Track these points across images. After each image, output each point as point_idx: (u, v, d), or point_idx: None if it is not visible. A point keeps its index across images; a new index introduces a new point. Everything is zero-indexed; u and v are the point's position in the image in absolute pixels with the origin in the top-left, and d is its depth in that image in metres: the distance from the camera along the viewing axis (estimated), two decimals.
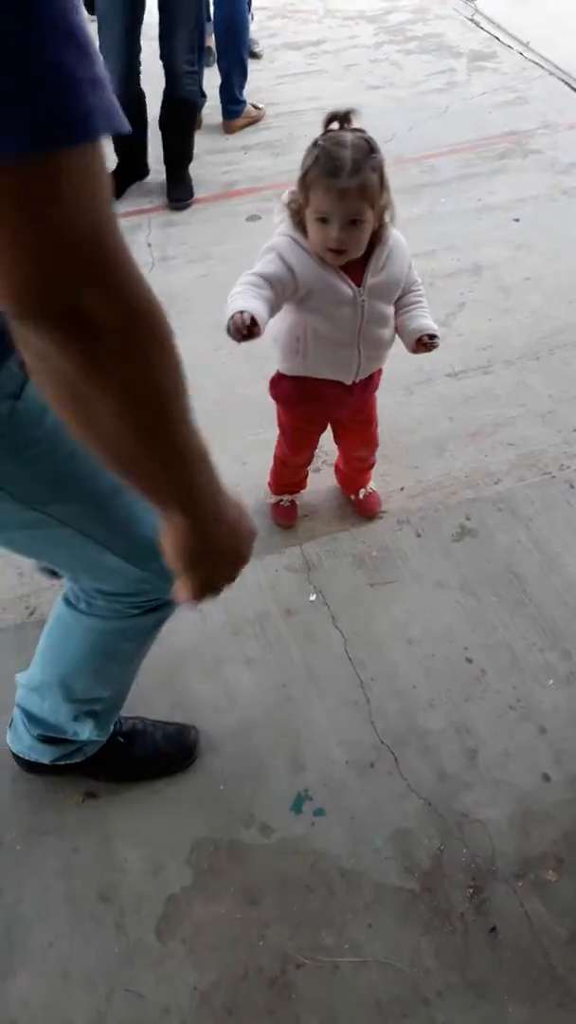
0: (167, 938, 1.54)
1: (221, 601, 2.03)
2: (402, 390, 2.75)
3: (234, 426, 2.61)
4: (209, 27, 4.22)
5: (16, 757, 1.70)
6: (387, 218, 1.68)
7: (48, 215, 0.60)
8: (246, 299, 1.63)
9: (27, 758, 1.67)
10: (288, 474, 2.29)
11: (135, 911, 1.58)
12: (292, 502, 2.35)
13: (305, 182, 1.57)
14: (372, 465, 2.30)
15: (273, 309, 1.68)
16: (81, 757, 1.65)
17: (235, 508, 0.94)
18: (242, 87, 4.10)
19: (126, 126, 0.61)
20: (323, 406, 2.01)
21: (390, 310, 1.81)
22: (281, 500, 2.34)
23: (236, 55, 4.03)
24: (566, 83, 4.50)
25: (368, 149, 1.55)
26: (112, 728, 1.66)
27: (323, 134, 1.57)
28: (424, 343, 1.81)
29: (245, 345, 1.63)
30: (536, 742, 1.80)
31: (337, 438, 2.22)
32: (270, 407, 2.12)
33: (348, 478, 2.35)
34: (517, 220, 3.52)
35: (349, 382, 1.87)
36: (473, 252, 3.34)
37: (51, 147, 0.57)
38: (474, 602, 2.06)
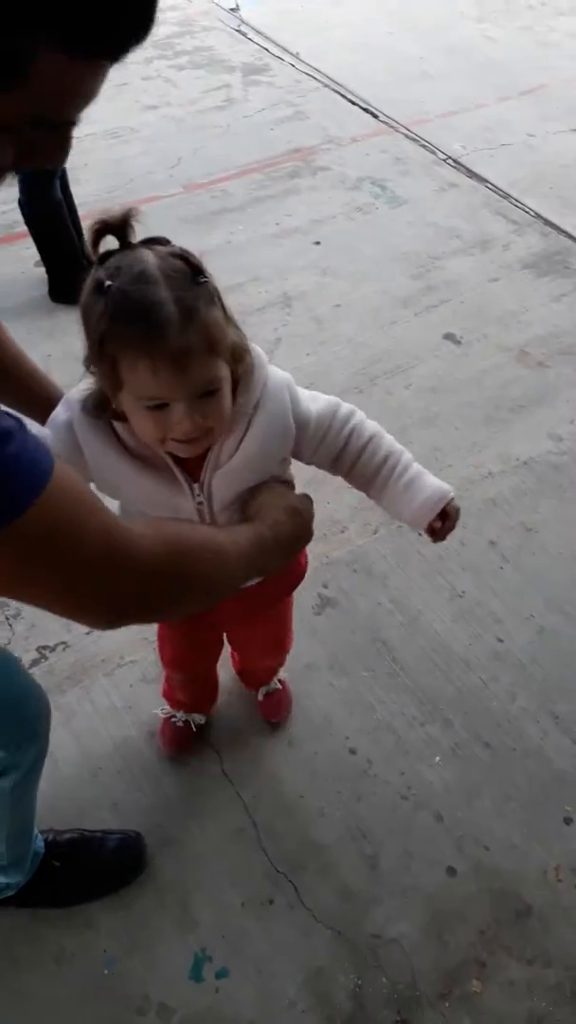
0: None
1: (72, 734, 1.76)
2: None
3: None
4: None
5: None
6: (246, 345, 1.03)
7: (58, 557, 0.72)
8: None
9: None
10: (184, 687, 1.67)
11: None
12: (187, 723, 1.73)
13: (105, 352, 0.93)
14: (280, 665, 1.77)
15: None
16: (11, 892, 1.47)
17: (289, 522, 1.08)
18: None
19: (49, 459, 0.71)
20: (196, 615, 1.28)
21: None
22: (174, 717, 1.73)
23: None
24: (341, 95, 4.41)
25: (186, 269, 0.93)
26: (30, 865, 1.47)
27: (101, 263, 0.94)
28: (435, 529, 1.18)
29: None
30: (434, 832, 1.66)
31: (229, 639, 1.63)
32: None
33: (247, 673, 1.80)
34: (318, 243, 3.38)
35: None
36: (280, 282, 3.17)
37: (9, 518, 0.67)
38: (346, 681, 1.89)
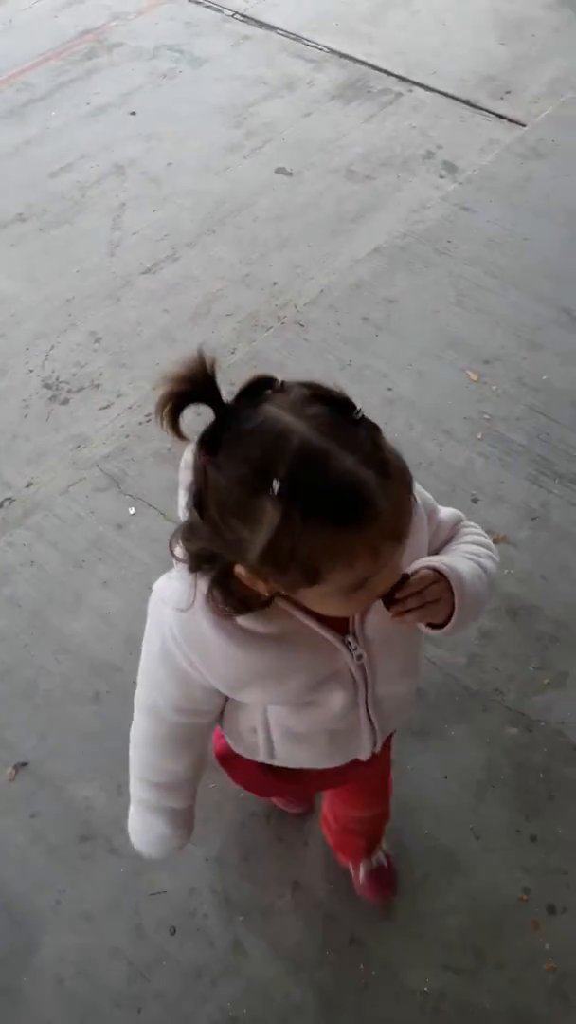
0: None
1: (51, 543, 2.06)
2: (108, 299, 2.81)
3: None
4: None
5: None
6: None
7: None
8: (150, 832, 1.14)
9: None
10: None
11: (120, 832, 1.65)
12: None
13: (297, 559, 0.75)
14: (384, 819, 1.55)
15: (198, 768, 1.11)
16: None
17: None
18: None
19: None
20: (314, 783, 1.27)
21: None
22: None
23: None
24: None
25: (335, 411, 0.76)
26: None
27: (209, 448, 0.76)
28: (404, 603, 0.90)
29: None
30: None
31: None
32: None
33: (342, 839, 1.57)
34: (134, 113, 3.61)
35: (365, 757, 1.13)
36: (108, 154, 3.40)
37: None
38: None
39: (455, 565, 0.95)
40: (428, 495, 1.02)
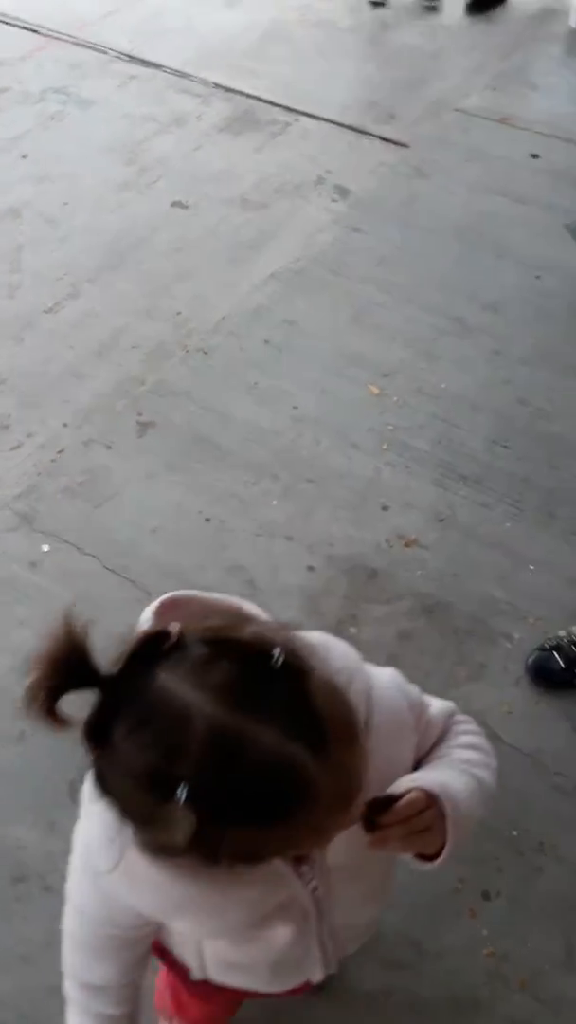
0: None
1: None
2: (11, 340, 2.82)
3: None
4: None
5: None
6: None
7: None
8: None
9: None
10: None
11: (53, 869, 1.64)
12: None
13: (226, 852, 0.65)
14: None
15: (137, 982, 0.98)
16: None
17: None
18: None
19: None
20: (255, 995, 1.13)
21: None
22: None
23: None
24: None
25: (242, 671, 0.63)
26: None
27: (97, 743, 0.65)
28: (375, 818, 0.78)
29: None
30: (289, 549, 2.13)
31: None
32: None
33: None
34: (25, 156, 3.64)
35: (317, 980, 1.01)
36: (1, 199, 3.41)
37: None
38: (185, 475, 2.30)
39: (449, 785, 0.82)
40: (414, 690, 0.90)
